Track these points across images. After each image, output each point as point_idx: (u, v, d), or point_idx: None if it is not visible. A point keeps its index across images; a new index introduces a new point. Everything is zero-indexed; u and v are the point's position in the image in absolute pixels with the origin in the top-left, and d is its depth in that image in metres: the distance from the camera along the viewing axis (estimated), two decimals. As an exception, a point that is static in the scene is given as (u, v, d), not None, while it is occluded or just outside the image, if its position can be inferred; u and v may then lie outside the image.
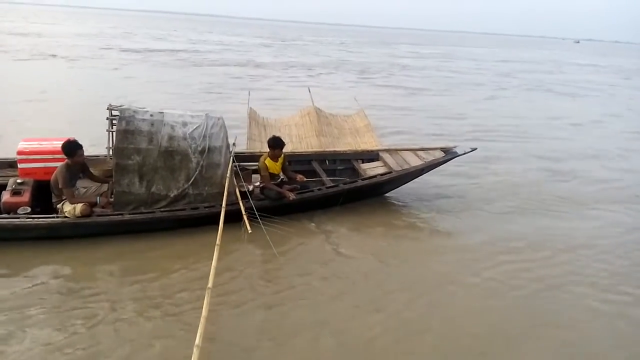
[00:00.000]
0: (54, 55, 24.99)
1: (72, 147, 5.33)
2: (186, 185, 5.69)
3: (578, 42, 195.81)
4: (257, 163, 6.40)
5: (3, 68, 19.77)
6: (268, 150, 6.21)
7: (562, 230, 6.76)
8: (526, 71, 36.93)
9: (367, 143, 8.01)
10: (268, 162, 6.15)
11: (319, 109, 8.34)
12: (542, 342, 4.26)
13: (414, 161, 7.14)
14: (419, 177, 7.45)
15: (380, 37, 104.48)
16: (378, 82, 23.57)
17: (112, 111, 5.90)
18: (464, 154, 7.32)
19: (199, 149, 5.70)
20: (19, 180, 5.63)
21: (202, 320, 3.46)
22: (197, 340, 3.24)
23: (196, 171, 5.70)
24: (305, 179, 6.46)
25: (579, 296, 5.06)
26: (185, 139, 5.67)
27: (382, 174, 6.87)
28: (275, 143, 6.15)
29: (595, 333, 4.50)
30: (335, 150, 7.64)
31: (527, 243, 6.25)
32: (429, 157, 7.21)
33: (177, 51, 33.39)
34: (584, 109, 19.16)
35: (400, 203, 7.36)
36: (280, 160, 6.30)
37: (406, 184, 7.44)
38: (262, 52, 39.15)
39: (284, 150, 6.32)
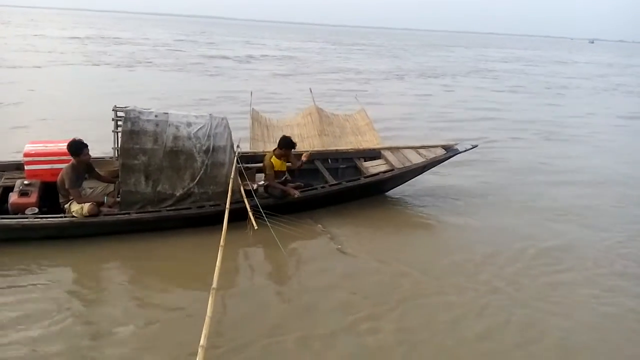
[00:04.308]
0: (149, 63, 25.26)
1: (78, 146, 5.40)
2: (191, 185, 5.77)
3: (592, 42, 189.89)
4: (260, 163, 6.44)
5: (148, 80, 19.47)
6: (271, 149, 6.24)
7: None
8: (608, 75, 35.98)
9: (368, 141, 8.05)
10: (274, 160, 6.15)
11: (320, 108, 8.37)
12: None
13: (415, 159, 7.19)
14: (422, 174, 7.51)
15: (414, 41, 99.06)
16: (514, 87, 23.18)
17: (117, 112, 5.96)
18: (465, 151, 7.39)
19: (204, 148, 5.77)
20: (26, 182, 5.70)
21: (207, 320, 3.46)
22: (202, 341, 3.25)
23: (201, 170, 5.76)
24: (309, 156, 6.52)
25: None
26: (190, 138, 5.74)
27: (384, 172, 6.93)
28: (287, 144, 6.09)
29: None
30: (337, 149, 7.68)
31: (532, 244, 6.13)
32: (430, 154, 7.28)
33: (274, 58, 33.36)
34: None
35: (403, 200, 7.42)
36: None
37: (409, 181, 7.50)
38: (346, 58, 38.81)
39: None
